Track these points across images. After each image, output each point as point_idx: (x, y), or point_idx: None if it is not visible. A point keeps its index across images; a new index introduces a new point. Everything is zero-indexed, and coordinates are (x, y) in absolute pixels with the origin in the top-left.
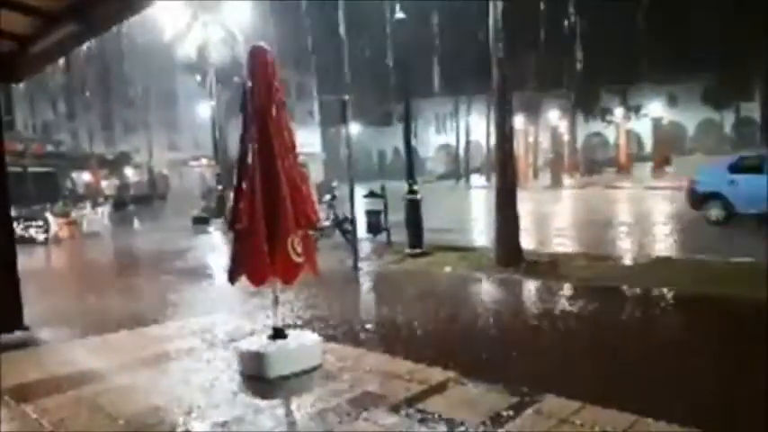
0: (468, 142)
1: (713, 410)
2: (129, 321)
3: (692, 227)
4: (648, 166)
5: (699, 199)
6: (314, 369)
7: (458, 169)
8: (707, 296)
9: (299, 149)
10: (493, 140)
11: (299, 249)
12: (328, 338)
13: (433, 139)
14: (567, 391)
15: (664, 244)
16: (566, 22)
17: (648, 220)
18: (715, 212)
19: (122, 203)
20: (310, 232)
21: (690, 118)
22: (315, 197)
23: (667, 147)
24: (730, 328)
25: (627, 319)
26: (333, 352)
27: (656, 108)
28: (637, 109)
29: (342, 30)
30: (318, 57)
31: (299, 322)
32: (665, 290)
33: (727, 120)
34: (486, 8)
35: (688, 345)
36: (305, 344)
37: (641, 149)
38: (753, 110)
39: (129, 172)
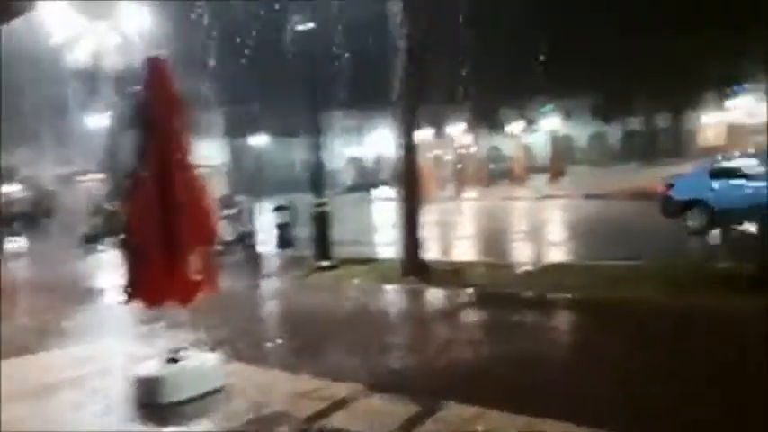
0: (377, 155)
1: (572, 400)
2: (12, 349)
3: (590, 232)
4: (544, 176)
5: (677, 207)
6: (215, 391)
7: (367, 181)
8: (592, 299)
9: (200, 162)
10: (399, 153)
11: (198, 267)
12: (230, 358)
13: (342, 152)
14: (457, 391)
15: (560, 250)
16: (470, 38)
17: (544, 227)
18: (696, 220)
19: (6, 221)
20: (211, 248)
21: (581, 131)
22: (215, 212)
23: (562, 158)
24: (614, 327)
25: (517, 322)
26: (235, 372)
27: (550, 122)
28: (532, 122)
29: (249, 39)
30: (224, 66)
31: (199, 343)
32: (557, 293)
33: (615, 133)
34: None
35: (571, 344)
36: (204, 366)
37: (538, 161)
38: (637, 123)
39: (13, 188)
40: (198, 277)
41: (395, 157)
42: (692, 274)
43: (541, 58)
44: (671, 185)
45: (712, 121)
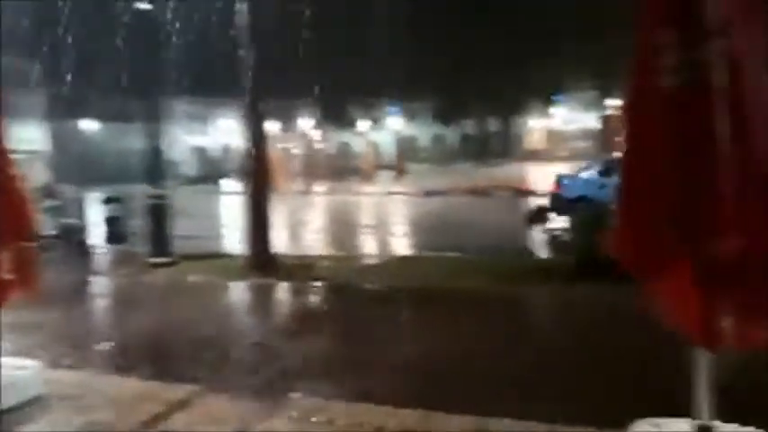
0: (223, 145)
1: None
2: None
3: (431, 226)
4: (391, 173)
5: (565, 204)
6: (33, 400)
7: (213, 173)
8: (430, 288)
9: (15, 146)
10: (247, 145)
11: (11, 265)
12: (51, 364)
13: (185, 141)
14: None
15: (404, 243)
16: (318, 36)
17: (390, 221)
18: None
19: None
20: (28, 244)
21: (424, 132)
22: (33, 203)
23: (406, 157)
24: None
25: (361, 312)
26: (56, 379)
27: (395, 122)
28: (380, 121)
29: (77, 12)
30: (49, 43)
31: (14, 349)
32: (400, 284)
33: (453, 135)
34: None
35: (404, 329)
36: (20, 373)
37: (384, 159)
38: (472, 127)
39: None
40: (11, 276)
41: (243, 148)
42: (523, 266)
43: (383, 58)
44: (560, 184)
45: (537, 127)
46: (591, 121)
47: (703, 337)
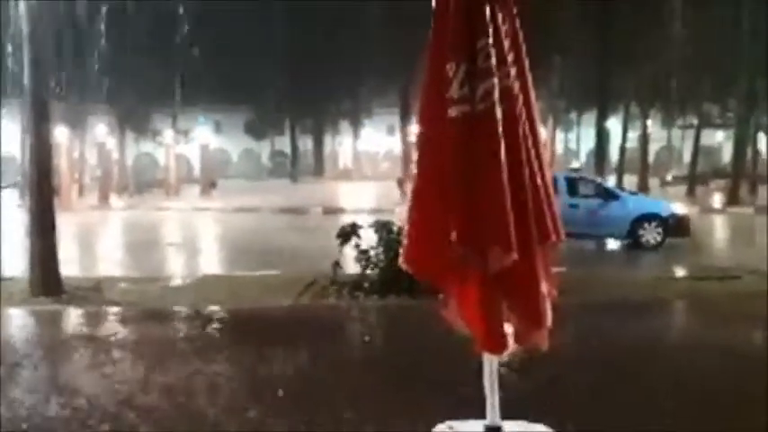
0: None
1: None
2: None
3: (239, 244)
4: (197, 188)
5: None
6: None
7: None
8: (237, 309)
9: None
10: (28, 152)
11: None
12: None
13: None
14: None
15: (211, 262)
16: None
17: (197, 239)
18: None
19: None
20: None
21: (234, 146)
22: None
23: (214, 171)
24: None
25: (162, 338)
26: None
27: (203, 134)
28: (186, 133)
29: None
30: None
31: None
32: (206, 306)
33: (265, 150)
34: None
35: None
36: None
37: (190, 172)
38: (285, 143)
39: None
40: None
41: (23, 157)
42: (333, 281)
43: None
44: None
45: (347, 148)
46: (395, 143)
47: (490, 342)
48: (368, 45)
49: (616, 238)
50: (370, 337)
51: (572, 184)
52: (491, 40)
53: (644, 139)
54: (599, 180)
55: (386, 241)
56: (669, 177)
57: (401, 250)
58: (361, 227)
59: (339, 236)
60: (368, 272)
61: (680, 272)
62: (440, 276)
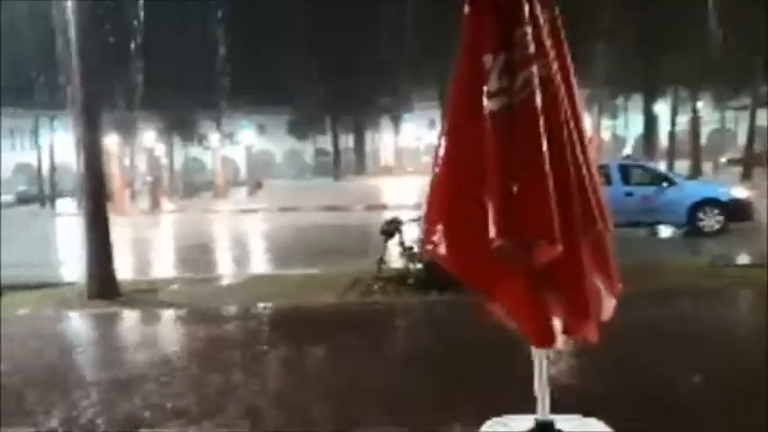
0: (55, 162)
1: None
2: None
3: (286, 243)
4: (244, 189)
5: None
6: None
7: (42, 193)
8: (286, 306)
9: None
10: (82, 161)
11: None
12: None
13: (7, 158)
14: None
15: (260, 261)
16: (152, 40)
17: (245, 239)
18: None
19: None
20: None
21: (278, 146)
22: None
23: (259, 172)
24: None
25: (216, 337)
26: None
27: (247, 136)
28: (231, 136)
29: None
30: None
31: None
32: (257, 304)
33: (308, 150)
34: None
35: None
36: None
37: (237, 174)
38: (327, 142)
39: None
40: None
41: (77, 165)
42: (379, 278)
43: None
44: None
45: (388, 144)
46: (435, 138)
47: (539, 337)
48: (405, 39)
49: (675, 225)
50: (415, 331)
51: (626, 172)
52: (529, 29)
53: (695, 121)
54: (654, 166)
55: None
56: (723, 160)
57: (436, 249)
58: (403, 222)
59: (383, 232)
60: (411, 267)
61: (743, 259)
62: (480, 273)
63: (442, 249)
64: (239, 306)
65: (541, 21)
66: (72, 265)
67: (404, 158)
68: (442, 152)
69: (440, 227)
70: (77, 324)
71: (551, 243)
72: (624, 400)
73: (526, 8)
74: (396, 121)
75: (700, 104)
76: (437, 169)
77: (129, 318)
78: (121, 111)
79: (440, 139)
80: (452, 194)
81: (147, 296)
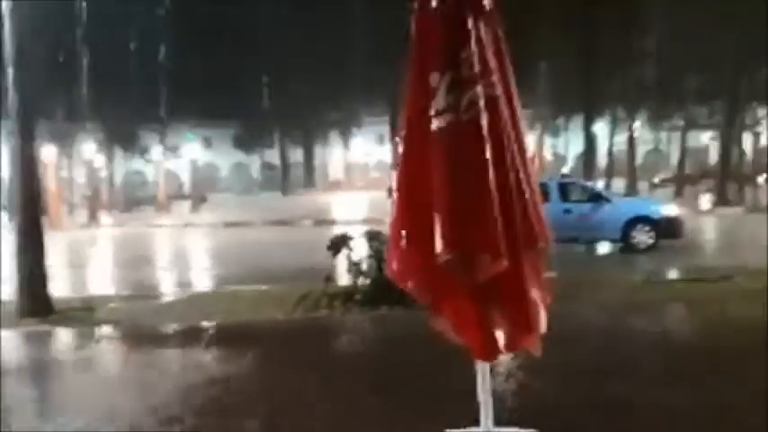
0: None
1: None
2: None
3: (231, 259)
4: (187, 204)
5: None
6: None
7: None
8: (230, 324)
9: None
10: (16, 173)
11: None
12: None
13: None
14: None
15: (202, 278)
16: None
17: (189, 255)
18: None
19: None
20: None
21: (224, 160)
22: None
23: (204, 186)
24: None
25: (154, 358)
26: None
27: (192, 149)
28: (175, 149)
29: None
30: None
31: None
32: (200, 322)
33: (255, 163)
34: None
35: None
36: None
37: (180, 188)
38: (275, 156)
39: None
40: None
41: (10, 177)
42: (324, 293)
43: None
44: None
45: (337, 158)
46: (385, 153)
47: (483, 350)
48: (354, 54)
49: (610, 241)
50: (362, 347)
51: (564, 190)
52: (474, 50)
53: (631, 141)
54: (590, 185)
55: (377, 251)
56: (657, 180)
57: (385, 263)
58: (351, 237)
59: (330, 247)
60: (359, 282)
61: (672, 274)
62: (427, 287)
63: (394, 265)
64: (179, 324)
65: (486, 42)
66: (5, 282)
67: (353, 173)
68: (399, 169)
69: (392, 243)
70: (5, 343)
71: (496, 258)
72: (560, 411)
73: (471, 28)
74: (345, 136)
75: (636, 125)
76: (396, 186)
77: (62, 337)
78: (60, 121)
79: (397, 154)
80: (405, 211)
81: (82, 314)
